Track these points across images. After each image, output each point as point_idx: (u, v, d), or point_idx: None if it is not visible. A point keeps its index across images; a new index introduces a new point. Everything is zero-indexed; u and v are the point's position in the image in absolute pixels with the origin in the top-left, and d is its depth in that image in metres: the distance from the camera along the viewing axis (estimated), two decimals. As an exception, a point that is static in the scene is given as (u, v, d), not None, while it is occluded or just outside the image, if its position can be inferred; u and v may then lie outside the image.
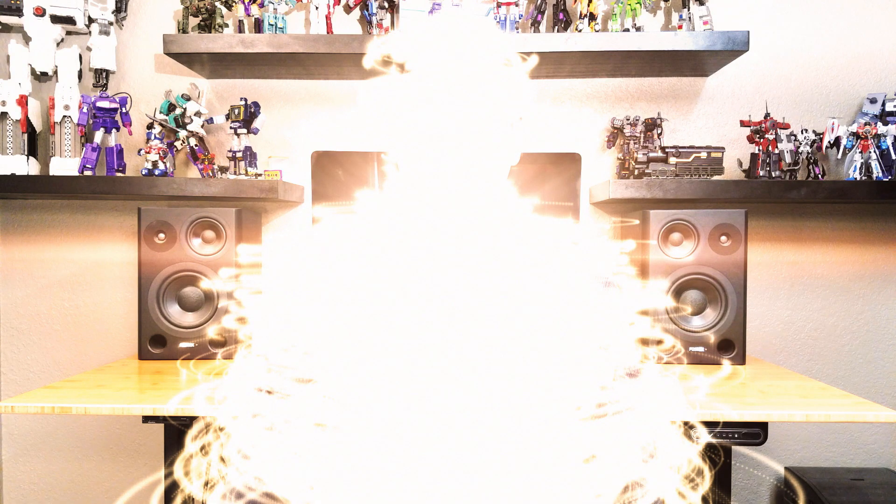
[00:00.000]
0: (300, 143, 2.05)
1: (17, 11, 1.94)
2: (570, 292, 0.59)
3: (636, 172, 1.82)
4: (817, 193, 1.75)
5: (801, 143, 1.85)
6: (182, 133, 1.90)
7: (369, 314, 0.56)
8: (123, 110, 1.90)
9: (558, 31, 1.89)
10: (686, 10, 1.87)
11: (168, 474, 1.70)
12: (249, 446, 0.58)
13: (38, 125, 1.98)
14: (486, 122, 0.64)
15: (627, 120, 1.90)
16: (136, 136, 2.03)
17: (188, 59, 1.87)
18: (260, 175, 1.92)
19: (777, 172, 1.83)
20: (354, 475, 0.52)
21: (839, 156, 1.85)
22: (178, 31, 1.88)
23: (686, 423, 1.41)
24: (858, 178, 1.82)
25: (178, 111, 1.90)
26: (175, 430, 1.69)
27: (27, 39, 1.99)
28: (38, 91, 2.03)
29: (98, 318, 2.07)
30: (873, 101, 1.88)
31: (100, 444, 2.09)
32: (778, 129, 1.84)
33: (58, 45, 1.98)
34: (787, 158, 1.83)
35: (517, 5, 1.84)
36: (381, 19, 1.93)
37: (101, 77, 1.99)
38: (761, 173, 1.84)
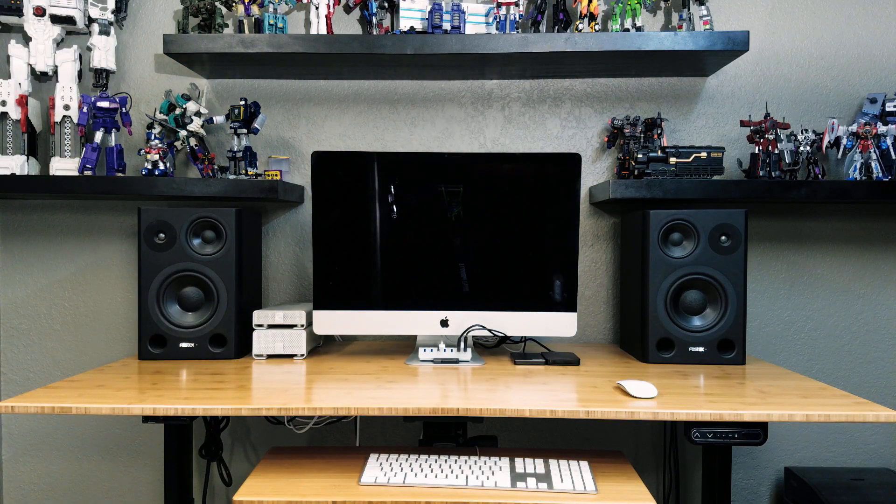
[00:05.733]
0: (300, 143, 2.05)
1: (17, 11, 1.94)
2: None
3: (636, 172, 1.82)
4: (817, 193, 1.76)
5: (801, 143, 1.85)
6: (182, 133, 1.90)
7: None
8: (123, 110, 1.90)
9: (558, 31, 1.90)
10: (686, 10, 1.87)
11: (169, 474, 1.71)
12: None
13: (38, 125, 1.98)
14: None
15: (627, 120, 1.91)
16: (136, 136, 2.04)
17: (188, 59, 1.87)
18: (260, 175, 1.93)
19: (777, 172, 1.83)
20: None
21: (839, 156, 1.85)
22: (178, 31, 1.88)
23: (687, 423, 1.42)
24: (858, 178, 1.82)
25: (178, 111, 1.91)
26: (175, 430, 1.69)
27: (27, 39, 1.99)
28: (38, 91, 2.03)
29: (98, 318, 2.07)
30: (873, 101, 1.89)
31: (100, 444, 2.09)
32: (778, 129, 1.84)
33: (58, 45, 1.99)
34: (787, 158, 1.83)
35: (517, 5, 1.84)
36: (382, 19, 1.93)
37: (101, 77, 1.99)
38: (761, 173, 1.84)
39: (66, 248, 2.07)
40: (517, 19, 1.86)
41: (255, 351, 1.73)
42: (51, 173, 1.89)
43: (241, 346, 1.75)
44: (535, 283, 1.73)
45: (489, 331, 1.72)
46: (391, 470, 1.35)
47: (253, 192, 1.80)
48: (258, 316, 1.73)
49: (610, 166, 2.03)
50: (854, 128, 1.83)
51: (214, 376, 1.52)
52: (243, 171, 1.90)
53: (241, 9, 1.88)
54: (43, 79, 2.03)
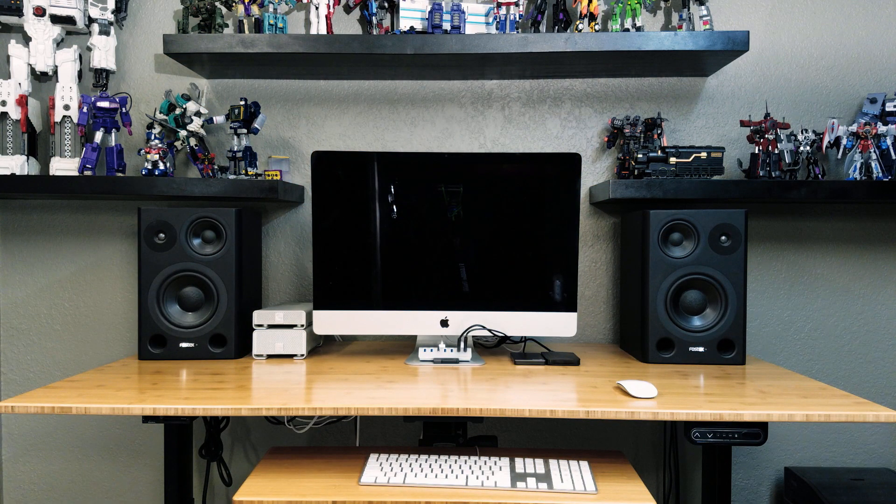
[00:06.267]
0: (300, 143, 2.05)
1: (17, 11, 1.94)
2: None
3: (636, 172, 1.82)
4: (817, 193, 1.76)
5: (801, 143, 1.85)
6: (182, 133, 1.90)
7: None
8: (123, 110, 1.90)
9: (558, 31, 1.90)
10: (686, 10, 1.87)
11: (169, 474, 1.71)
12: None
13: (38, 125, 1.99)
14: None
15: (627, 120, 1.91)
16: (136, 136, 2.04)
17: (188, 59, 1.87)
18: (260, 175, 1.93)
19: (777, 172, 1.83)
20: None
21: (839, 156, 1.85)
22: (178, 31, 1.88)
23: (687, 423, 1.42)
24: (858, 178, 1.82)
25: (178, 111, 1.91)
26: (175, 430, 1.69)
27: (27, 39, 1.99)
28: (38, 91, 2.03)
29: (98, 318, 2.07)
30: (873, 101, 1.89)
31: (100, 444, 2.09)
32: (778, 129, 1.84)
33: (58, 45, 1.99)
34: (787, 158, 1.83)
35: (517, 5, 1.84)
36: (382, 19, 1.93)
37: (101, 77, 1.99)
38: (761, 173, 1.84)
39: (66, 248, 2.07)
40: (517, 19, 1.86)
41: (255, 351, 1.73)
42: (51, 173, 1.89)
43: (241, 346, 1.75)
44: (535, 282, 1.73)
45: (489, 331, 1.72)
46: (391, 470, 1.35)
47: (253, 192, 1.80)
48: (258, 316, 1.73)
49: (610, 166, 2.03)
50: (854, 128, 1.83)
51: (214, 376, 1.52)
52: (243, 171, 1.90)
53: (241, 9, 1.88)
54: (43, 79, 2.03)
